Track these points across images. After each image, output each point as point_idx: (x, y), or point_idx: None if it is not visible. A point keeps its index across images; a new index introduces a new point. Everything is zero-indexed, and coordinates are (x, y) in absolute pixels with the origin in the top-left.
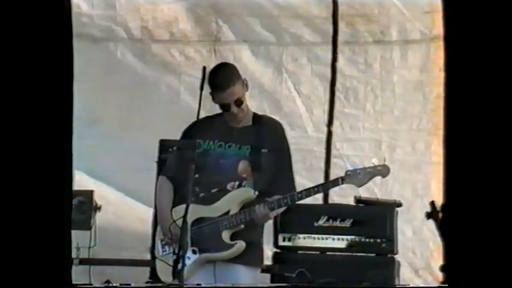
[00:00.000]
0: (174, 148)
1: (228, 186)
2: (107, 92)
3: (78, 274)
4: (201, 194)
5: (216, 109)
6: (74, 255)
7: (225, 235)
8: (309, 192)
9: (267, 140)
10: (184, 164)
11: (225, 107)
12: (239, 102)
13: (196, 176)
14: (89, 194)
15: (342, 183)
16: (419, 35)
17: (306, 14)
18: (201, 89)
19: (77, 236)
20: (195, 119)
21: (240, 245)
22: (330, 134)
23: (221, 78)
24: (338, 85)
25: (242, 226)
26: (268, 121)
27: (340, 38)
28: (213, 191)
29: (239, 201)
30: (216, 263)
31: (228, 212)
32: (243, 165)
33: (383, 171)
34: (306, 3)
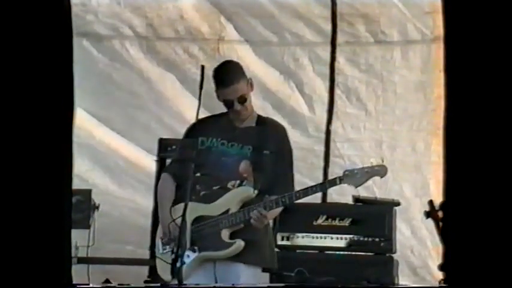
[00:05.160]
0: (175, 146)
1: (229, 185)
2: (112, 90)
3: (76, 273)
4: (202, 192)
5: (217, 108)
6: (72, 254)
7: (225, 234)
8: (306, 191)
9: (269, 142)
10: (186, 162)
11: (228, 103)
12: (242, 100)
13: (198, 174)
14: (87, 193)
15: (340, 183)
16: (420, 36)
17: (307, 14)
18: (201, 87)
19: (75, 235)
20: (199, 116)
21: (239, 243)
22: (328, 133)
23: (225, 75)
24: (339, 85)
25: (242, 225)
26: (271, 123)
27: (341, 38)
28: (214, 188)
29: (238, 200)
30: (216, 262)
31: (227, 211)
32: (244, 165)
33: (381, 171)
34: (307, 3)
